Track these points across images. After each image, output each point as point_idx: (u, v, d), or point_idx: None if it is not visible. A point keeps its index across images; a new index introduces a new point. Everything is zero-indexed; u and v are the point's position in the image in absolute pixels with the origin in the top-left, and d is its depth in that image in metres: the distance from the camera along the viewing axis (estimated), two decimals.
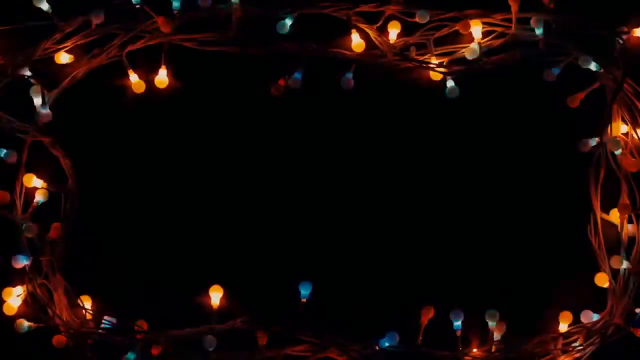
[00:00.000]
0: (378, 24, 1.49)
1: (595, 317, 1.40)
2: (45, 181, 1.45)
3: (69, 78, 1.48)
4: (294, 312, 1.41)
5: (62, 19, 1.48)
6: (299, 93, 1.50)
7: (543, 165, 1.48)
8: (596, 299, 1.41)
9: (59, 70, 1.48)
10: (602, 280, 1.40)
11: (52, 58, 1.48)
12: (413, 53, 1.48)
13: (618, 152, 1.42)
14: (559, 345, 1.38)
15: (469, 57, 1.47)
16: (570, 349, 1.38)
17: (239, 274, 1.45)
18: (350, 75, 1.48)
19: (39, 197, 1.43)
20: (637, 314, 1.38)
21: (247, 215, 1.48)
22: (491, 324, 1.39)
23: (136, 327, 1.40)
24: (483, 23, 1.47)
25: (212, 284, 1.42)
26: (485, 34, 1.48)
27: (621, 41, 1.46)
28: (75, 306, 1.40)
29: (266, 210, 1.48)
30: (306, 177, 1.49)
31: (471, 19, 1.47)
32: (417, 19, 1.48)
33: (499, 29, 1.48)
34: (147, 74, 1.49)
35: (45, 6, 1.48)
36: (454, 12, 1.48)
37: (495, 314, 1.39)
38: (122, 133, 1.50)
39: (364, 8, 1.48)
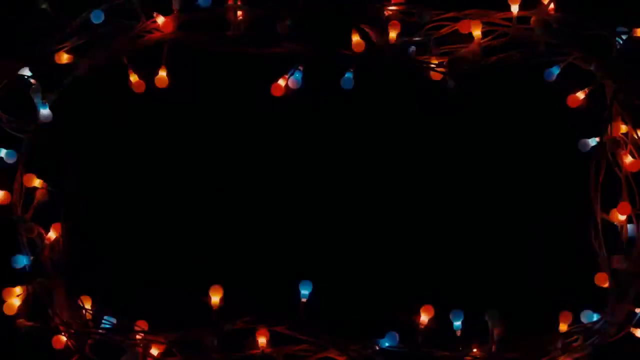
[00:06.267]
0: (378, 24, 1.49)
1: (595, 317, 1.40)
2: (45, 181, 1.45)
3: (69, 78, 1.48)
4: (294, 312, 1.41)
5: (62, 19, 1.48)
6: (299, 93, 1.50)
7: (543, 165, 1.48)
8: (596, 299, 1.41)
9: (59, 70, 1.48)
10: (602, 280, 1.40)
11: (52, 58, 1.48)
12: (413, 53, 1.48)
13: (618, 152, 1.42)
14: (559, 345, 1.38)
15: (469, 57, 1.47)
16: (570, 349, 1.38)
17: (239, 274, 1.45)
18: (350, 75, 1.48)
19: (39, 197, 1.43)
20: (637, 313, 1.38)
21: (247, 215, 1.48)
22: (491, 324, 1.39)
23: (136, 327, 1.40)
24: (483, 23, 1.47)
25: (212, 284, 1.42)
26: (485, 34, 1.48)
27: (621, 41, 1.46)
28: (75, 306, 1.40)
29: (266, 210, 1.48)
30: (306, 177, 1.49)
31: (471, 19, 1.47)
32: (417, 19, 1.48)
33: (499, 29, 1.48)
34: (147, 74, 1.49)
35: (45, 6, 1.48)
36: (454, 12, 1.48)
37: (495, 314, 1.39)
38: (122, 133, 1.50)
39: (364, 8, 1.48)
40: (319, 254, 1.46)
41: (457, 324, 1.40)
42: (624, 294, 1.39)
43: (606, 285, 1.40)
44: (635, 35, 1.46)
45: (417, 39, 1.48)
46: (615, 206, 1.42)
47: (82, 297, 1.41)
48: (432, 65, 1.48)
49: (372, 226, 1.47)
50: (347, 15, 1.48)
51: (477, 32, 1.46)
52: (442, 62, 1.48)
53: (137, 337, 1.39)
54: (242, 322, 1.40)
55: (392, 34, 1.49)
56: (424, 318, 1.40)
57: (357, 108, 1.50)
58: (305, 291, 1.41)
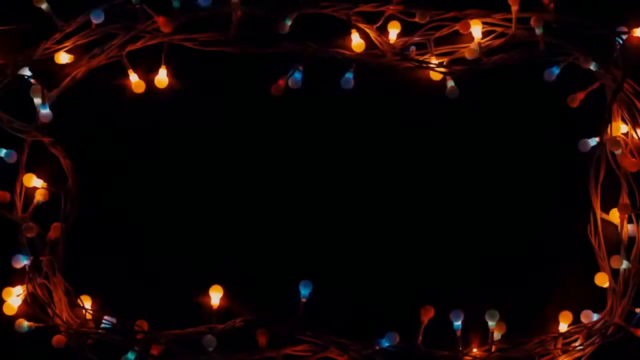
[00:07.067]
0: (378, 24, 1.49)
1: (595, 317, 1.40)
2: (45, 181, 1.45)
3: (69, 78, 1.48)
4: (294, 312, 1.41)
5: (62, 19, 1.48)
6: (299, 93, 1.50)
7: (543, 165, 1.48)
8: (596, 299, 1.41)
9: (59, 70, 1.48)
10: (602, 280, 1.41)
11: (52, 58, 1.48)
12: (413, 53, 1.48)
13: (618, 152, 1.42)
14: (559, 345, 1.38)
15: (469, 57, 1.47)
16: (570, 349, 1.38)
17: (239, 274, 1.45)
18: (350, 75, 1.49)
19: (39, 197, 1.43)
20: (637, 314, 1.38)
21: (247, 215, 1.48)
22: (491, 324, 1.39)
23: (136, 327, 1.40)
24: (483, 23, 1.47)
25: (212, 284, 1.42)
26: (485, 34, 1.48)
27: (621, 41, 1.46)
28: (75, 306, 1.40)
29: (266, 210, 1.48)
30: (306, 177, 1.49)
31: (471, 19, 1.47)
32: (417, 19, 1.48)
33: (499, 29, 1.48)
34: (147, 74, 1.49)
35: (45, 6, 1.48)
36: (454, 12, 1.48)
37: (495, 314, 1.39)
38: (122, 133, 1.50)
39: (364, 8, 1.48)
40: (319, 254, 1.46)
41: (457, 324, 1.40)
42: (624, 294, 1.39)
43: (606, 285, 1.40)
44: (635, 35, 1.46)
45: (417, 39, 1.49)
46: (615, 206, 1.42)
47: (82, 297, 1.41)
48: (432, 65, 1.48)
49: (372, 226, 1.47)
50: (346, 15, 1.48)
51: (477, 32, 1.47)
52: (442, 62, 1.48)
53: (137, 337, 1.39)
54: (242, 322, 1.40)
55: (392, 34, 1.49)
56: (424, 318, 1.40)
57: (357, 108, 1.50)
58: (305, 291, 1.41)
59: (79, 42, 1.48)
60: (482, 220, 1.47)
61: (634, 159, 1.43)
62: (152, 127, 1.50)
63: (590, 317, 1.40)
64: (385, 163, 1.49)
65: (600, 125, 1.44)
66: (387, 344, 1.39)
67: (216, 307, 1.42)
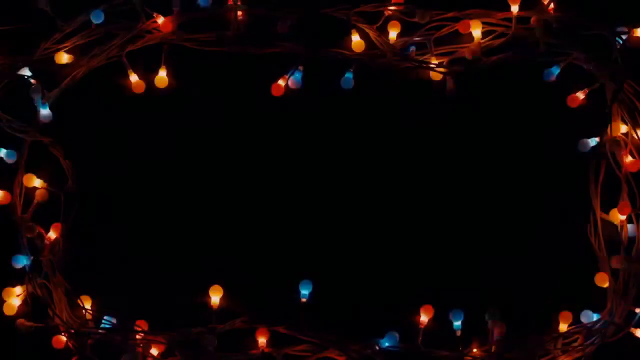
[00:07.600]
0: (378, 24, 1.49)
1: (595, 317, 1.40)
2: (45, 181, 1.45)
3: (69, 78, 1.48)
4: (294, 312, 1.41)
5: (62, 19, 1.48)
6: (299, 93, 1.50)
7: (543, 165, 1.48)
8: (596, 299, 1.41)
9: (59, 70, 1.48)
10: (602, 280, 1.41)
11: (52, 58, 1.48)
12: (413, 53, 1.48)
13: (618, 152, 1.42)
14: (559, 345, 1.38)
15: (469, 57, 1.47)
16: (570, 349, 1.38)
17: (239, 274, 1.45)
18: (350, 75, 1.49)
19: (39, 197, 1.43)
20: (637, 314, 1.38)
21: (247, 215, 1.48)
22: (491, 323, 1.39)
23: (136, 327, 1.40)
24: (483, 23, 1.47)
25: (212, 284, 1.42)
26: (485, 34, 1.48)
27: (621, 41, 1.46)
28: (75, 306, 1.41)
29: (266, 210, 1.48)
30: (306, 177, 1.49)
31: (471, 19, 1.47)
32: (417, 19, 1.48)
33: (499, 29, 1.48)
34: (147, 74, 1.49)
35: (45, 6, 1.48)
36: (454, 12, 1.48)
37: (496, 314, 1.39)
38: (122, 133, 1.50)
39: (364, 8, 1.49)
40: (319, 254, 1.46)
41: (457, 324, 1.40)
42: (624, 294, 1.39)
43: (606, 285, 1.40)
44: (635, 35, 1.46)
45: (417, 39, 1.49)
46: (615, 206, 1.42)
47: (82, 297, 1.41)
48: (432, 65, 1.48)
49: (372, 226, 1.47)
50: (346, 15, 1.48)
51: (477, 32, 1.47)
52: (442, 62, 1.48)
53: (137, 337, 1.39)
54: (242, 322, 1.40)
55: (392, 34, 1.49)
56: (424, 318, 1.40)
57: (357, 108, 1.50)
58: (305, 291, 1.41)
59: (79, 42, 1.48)
60: (482, 220, 1.47)
61: (634, 159, 1.43)
62: (152, 127, 1.50)
63: (590, 317, 1.40)
64: (385, 163, 1.49)
65: (600, 125, 1.44)
66: (387, 344, 1.39)
67: (216, 307, 1.42)
